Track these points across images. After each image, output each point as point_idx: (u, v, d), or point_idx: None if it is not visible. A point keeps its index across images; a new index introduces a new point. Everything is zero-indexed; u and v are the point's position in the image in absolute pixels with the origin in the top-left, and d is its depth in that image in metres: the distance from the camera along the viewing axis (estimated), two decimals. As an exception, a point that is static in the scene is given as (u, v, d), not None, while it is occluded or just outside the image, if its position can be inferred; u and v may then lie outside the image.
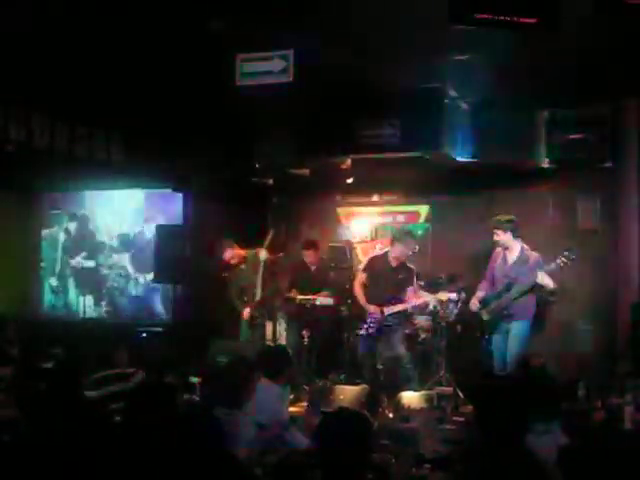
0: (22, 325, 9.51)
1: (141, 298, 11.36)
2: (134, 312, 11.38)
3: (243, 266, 9.24)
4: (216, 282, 9.72)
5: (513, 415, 3.62)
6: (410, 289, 8.65)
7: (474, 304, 8.14)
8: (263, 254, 9.08)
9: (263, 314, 9.13)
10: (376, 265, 8.77)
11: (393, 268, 8.64)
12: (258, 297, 9.02)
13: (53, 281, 11.84)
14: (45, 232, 11.90)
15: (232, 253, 9.20)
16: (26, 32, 6.83)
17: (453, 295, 8.56)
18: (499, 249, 8.08)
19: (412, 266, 8.77)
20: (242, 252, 9.23)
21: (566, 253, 7.58)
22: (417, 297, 8.67)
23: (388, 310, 8.49)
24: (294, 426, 5.97)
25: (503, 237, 7.95)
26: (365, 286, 8.71)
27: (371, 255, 9.14)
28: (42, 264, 11.88)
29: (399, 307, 8.57)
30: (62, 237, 11.85)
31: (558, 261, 7.61)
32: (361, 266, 8.85)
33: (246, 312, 9.08)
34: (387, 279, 8.63)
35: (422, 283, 9.29)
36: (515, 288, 7.84)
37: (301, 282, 9.60)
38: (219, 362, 8.17)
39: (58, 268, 11.81)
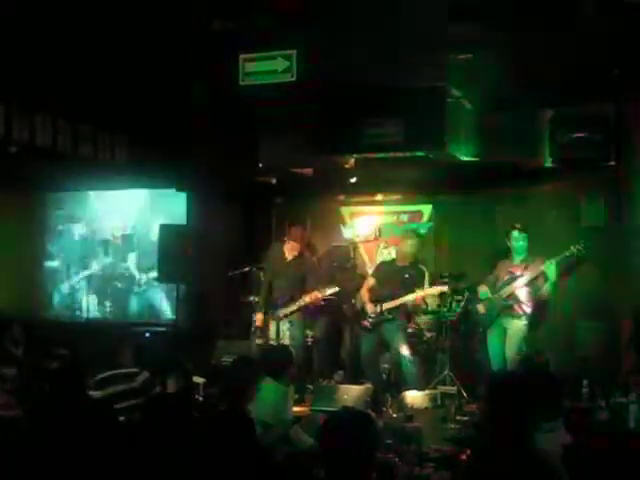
0: (27, 325, 9.52)
1: (145, 298, 11.37)
2: (138, 312, 11.39)
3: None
4: (221, 281, 9.75)
5: (522, 414, 3.63)
6: (420, 293, 8.66)
7: (482, 289, 8.32)
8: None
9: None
10: (383, 268, 8.90)
11: (399, 268, 8.70)
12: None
13: (57, 281, 11.85)
14: (49, 232, 11.92)
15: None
16: (29, 31, 6.84)
17: (444, 288, 8.62)
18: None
19: (423, 267, 8.83)
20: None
21: (582, 242, 7.85)
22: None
23: (386, 305, 8.54)
24: (298, 426, 5.98)
25: (518, 242, 8.21)
26: (372, 290, 8.80)
27: (380, 260, 9.31)
28: (46, 264, 11.89)
29: (396, 302, 8.56)
30: (66, 237, 11.86)
31: (573, 248, 7.84)
32: (370, 271, 9.02)
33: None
34: (392, 279, 8.69)
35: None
36: (517, 281, 8.06)
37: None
38: (224, 362, 8.18)
39: (62, 268, 11.82)
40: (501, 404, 3.67)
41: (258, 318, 8.82)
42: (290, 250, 8.82)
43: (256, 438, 3.89)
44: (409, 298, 8.57)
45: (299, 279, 8.74)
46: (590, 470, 2.97)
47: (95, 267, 11.63)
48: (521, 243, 8.29)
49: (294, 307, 8.63)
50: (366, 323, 8.66)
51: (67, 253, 11.84)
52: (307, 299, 8.56)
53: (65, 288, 11.81)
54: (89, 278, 11.62)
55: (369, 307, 8.64)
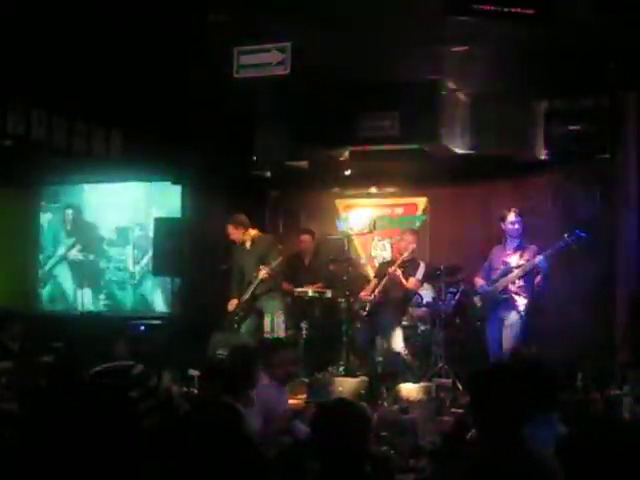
0: (23, 319, 9.49)
1: (140, 291, 11.36)
2: (133, 305, 11.38)
3: (248, 244, 9.05)
4: (215, 274, 9.73)
5: (509, 405, 3.61)
6: (411, 279, 8.72)
7: (479, 282, 8.26)
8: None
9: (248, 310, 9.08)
10: (383, 269, 9.02)
11: (395, 262, 8.78)
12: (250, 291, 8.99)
13: (52, 275, 11.83)
14: (43, 226, 11.89)
15: (231, 229, 9.02)
16: (25, 26, 6.82)
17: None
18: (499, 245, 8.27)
19: (419, 261, 8.92)
20: (249, 231, 9.04)
21: (577, 232, 7.74)
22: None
23: (378, 290, 8.64)
24: (295, 418, 5.98)
25: (514, 226, 8.10)
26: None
27: (380, 262, 9.74)
28: (41, 258, 11.87)
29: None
30: (60, 231, 11.84)
31: (567, 238, 7.73)
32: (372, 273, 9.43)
33: (233, 303, 9.01)
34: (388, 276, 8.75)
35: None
36: (512, 273, 7.96)
37: (294, 274, 9.64)
38: (219, 355, 8.18)
39: (57, 262, 11.80)
40: (483, 400, 3.62)
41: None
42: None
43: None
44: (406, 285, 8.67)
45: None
46: (585, 462, 2.97)
47: (89, 260, 11.58)
48: (517, 227, 8.18)
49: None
50: (362, 312, 8.70)
51: (62, 247, 11.81)
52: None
53: (59, 281, 11.78)
54: (84, 271, 11.59)
55: (363, 294, 8.72)
